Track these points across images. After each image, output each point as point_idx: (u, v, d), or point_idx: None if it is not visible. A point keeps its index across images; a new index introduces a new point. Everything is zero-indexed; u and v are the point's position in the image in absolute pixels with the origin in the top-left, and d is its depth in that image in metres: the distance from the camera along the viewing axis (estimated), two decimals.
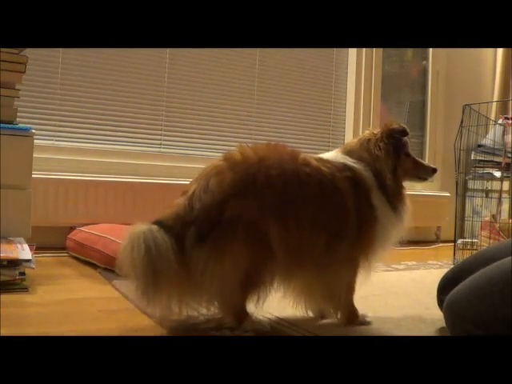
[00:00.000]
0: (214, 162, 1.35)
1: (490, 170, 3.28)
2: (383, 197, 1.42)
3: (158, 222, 1.27)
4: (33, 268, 1.63)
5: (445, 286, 1.38)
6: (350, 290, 1.41)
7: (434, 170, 1.55)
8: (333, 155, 1.47)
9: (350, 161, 1.43)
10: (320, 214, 1.33)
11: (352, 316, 1.41)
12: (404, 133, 1.50)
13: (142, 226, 1.24)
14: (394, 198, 1.44)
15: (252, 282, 1.28)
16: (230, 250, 1.23)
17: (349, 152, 1.47)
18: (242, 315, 1.30)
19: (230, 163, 1.32)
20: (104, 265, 1.96)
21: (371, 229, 1.38)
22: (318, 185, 1.33)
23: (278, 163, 1.32)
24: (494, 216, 2.85)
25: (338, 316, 1.41)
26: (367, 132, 1.53)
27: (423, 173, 1.54)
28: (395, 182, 1.45)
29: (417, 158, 1.54)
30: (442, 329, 1.34)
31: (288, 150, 1.40)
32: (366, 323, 1.41)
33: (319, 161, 1.40)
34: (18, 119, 1.95)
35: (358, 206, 1.37)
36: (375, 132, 1.50)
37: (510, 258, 1.16)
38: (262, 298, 1.30)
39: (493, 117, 3.51)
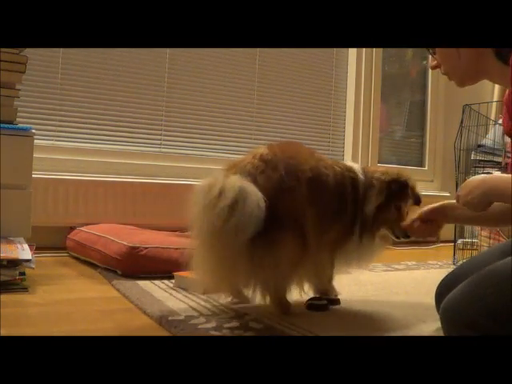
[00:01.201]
0: (252, 162, 1.39)
1: (490, 170, 3.28)
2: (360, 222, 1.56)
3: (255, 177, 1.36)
4: (33, 268, 1.63)
5: (441, 293, 1.39)
6: (332, 268, 1.59)
7: (406, 237, 1.57)
8: (349, 162, 1.65)
9: (358, 171, 1.59)
10: (334, 203, 1.50)
11: (329, 292, 1.59)
12: (403, 187, 1.58)
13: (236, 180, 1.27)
14: (363, 230, 1.56)
15: (293, 272, 1.41)
16: (279, 242, 1.32)
17: (364, 169, 1.63)
18: (287, 304, 1.44)
19: (265, 161, 1.38)
20: (104, 265, 1.97)
21: (349, 231, 1.56)
22: (332, 179, 1.50)
23: (304, 160, 1.46)
24: None
25: (321, 290, 1.58)
26: (382, 173, 1.59)
27: (398, 231, 1.58)
28: (373, 219, 1.55)
29: (404, 218, 1.57)
30: (441, 329, 1.34)
31: (305, 148, 1.59)
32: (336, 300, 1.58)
33: (329, 159, 1.59)
34: (18, 119, 1.95)
35: (352, 204, 1.55)
36: (385, 170, 1.62)
37: (501, 261, 1.18)
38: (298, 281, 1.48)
39: (493, 117, 3.50)
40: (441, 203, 1.53)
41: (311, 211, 1.41)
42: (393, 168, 1.67)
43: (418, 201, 1.62)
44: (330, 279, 1.61)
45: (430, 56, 1.37)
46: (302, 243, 1.37)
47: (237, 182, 1.24)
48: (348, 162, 1.66)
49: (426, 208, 1.55)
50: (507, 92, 1.40)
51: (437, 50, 1.32)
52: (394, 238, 1.60)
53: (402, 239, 1.59)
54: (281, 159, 1.39)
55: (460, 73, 1.33)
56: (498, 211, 1.45)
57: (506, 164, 1.50)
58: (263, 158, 1.39)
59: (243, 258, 1.29)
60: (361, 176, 1.58)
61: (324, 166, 1.50)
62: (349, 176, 1.56)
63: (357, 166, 1.62)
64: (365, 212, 1.55)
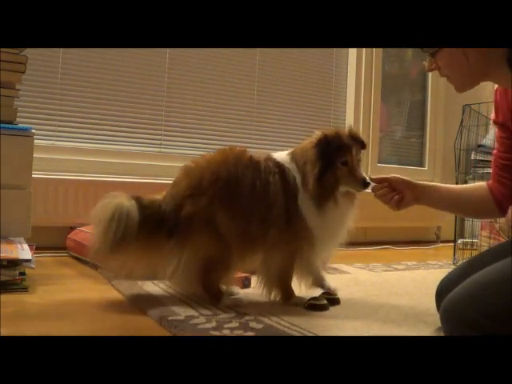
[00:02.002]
0: (177, 174, 1.59)
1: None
2: (310, 199, 1.52)
3: (137, 199, 1.52)
4: (33, 268, 1.63)
5: (441, 293, 1.39)
6: (284, 272, 1.56)
7: (365, 184, 1.50)
8: (279, 154, 1.61)
9: (286, 161, 1.57)
10: (252, 204, 1.51)
11: (286, 296, 1.57)
12: (337, 140, 1.51)
13: (121, 199, 1.49)
14: (319, 201, 1.51)
15: (215, 267, 1.49)
16: (189, 242, 1.47)
17: (292, 153, 1.59)
18: (218, 295, 1.52)
19: (186, 172, 1.57)
20: None
21: (298, 225, 1.52)
22: (252, 179, 1.52)
23: (223, 164, 1.53)
24: None
25: (274, 293, 1.57)
26: (314, 134, 1.56)
27: (352, 184, 1.52)
28: (321, 187, 1.49)
29: (355, 169, 1.50)
30: (441, 329, 1.34)
31: (236, 152, 1.58)
32: (300, 303, 1.55)
33: (265, 159, 1.58)
34: (18, 119, 1.95)
35: (286, 200, 1.53)
36: (314, 135, 1.54)
37: (501, 262, 1.18)
38: (230, 277, 1.57)
39: (493, 117, 3.50)
40: (413, 181, 1.51)
41: (227, 213, 1.49)
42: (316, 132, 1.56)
43: (362, 144, 1.56)
44: (281, 282, 1.57)
45: (428, 58, 1.34)
46: (217, 241, 1.48)
47: (113, 201, 1.48)
48: (274, 154, 1.61)
49: (396, 175, 1.52)
50: (497, 90, 1.41)
51: (441, 53, 1.28)
52: (355, 191, 1.55)
53: (365, 190, 1.52)
54: (196, 168, 1.55)
55: (464, 77, 1.30)
56: (478, 202, 1.47)
57: None
58: (186, 169, 1.58)
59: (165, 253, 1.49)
60: (288, 164, 1.55)
61: (244, 169, 1.52)
62: (274, 171, 1.54)
63: (282, 156, 1.59)
64: (309, 190, 1.50)
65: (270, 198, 1.52)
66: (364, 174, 1.52)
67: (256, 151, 1.65)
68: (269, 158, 1.59)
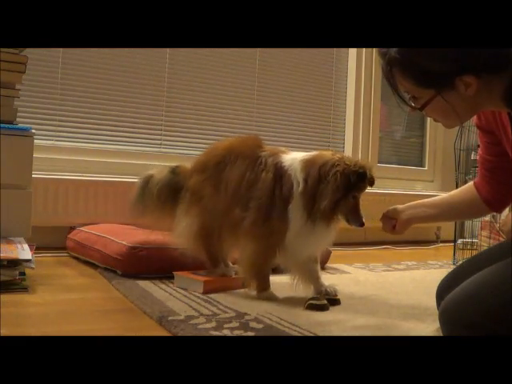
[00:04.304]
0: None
1: None
2: (304, 210, 1.55)
3: (174, 169, 1.82)
4: (33, 268, 1.63)
5: (442, 293, 1.39)
6: (254, 262, 1.63)
7: (361, 225, 1.56)
8: (290, 157, 1.63)
9: (293, 166, 1.59)
10: (236, 191, 1.63)
11: (259, 286, 1.65)
12: (363, 178, 1.54)
13: (159, 169, 1.85)
14: (315, 217, 1.55)
15: (208, 235, 1.71)
16: (189, 210, 1.73)
17: (306, 163, 1.58)
18: (213, 261, 1.76)
19: (208, 149, 1.83)
20: (104, 265, 1.96)
21: (278, 225, 1.58)
22: (244, 169, 1.63)
23: (227, 151, 1.70)
24: (493, 216, 2.84)
25: (248, 283, 1.67)
26: (329, 153, 1.59)
27: (352, 220, 1.56)
28: (329, 211, 1.53)
29: (359, 207, 1.56)
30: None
31: (248, 142, 1.71)
32: (273, 298, 1.62)
33: (269, 156, 1.64)
34: (18, 119, 1.95)
35: (271, 200, 1.58)
36: (336, 158, 1.54)
37: (501, 262, 1.18)
38: (222, 249, 1.77)
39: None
40: (399, 206, 1.58)
41: (214, 193, 1.68)
42: (343, 154, 1.60)
43: (372, 184, 1.60)
44: (252, 271, 1.65)
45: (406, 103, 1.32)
46: (207, 214, 1.69)
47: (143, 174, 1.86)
48: (288, 154, 1.65)
49: (390, 208, 1.59)
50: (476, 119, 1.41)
51: (428, 107, 1.28)
52: (347, 224, 1.59)
53: (357, 227, 1.57)
54: (214, 149, 1.78)
55: (452, 121, 1.33)
56: (470, 205, 1.48)
57: None
58: (210, 146, 1.84)
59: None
60: (292, 170, 1.58)
61: (244, 159, 1.64)
62: (268, 170, 1.60)
63: (293, 160, 1.60)
64: (318, 208, 1.53)
65: (253, 191, 1.60)
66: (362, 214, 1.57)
67: (274, 147, 1.71)
68: (274, 157, 1.63)
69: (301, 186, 1.56)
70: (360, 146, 3.42)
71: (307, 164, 1.58)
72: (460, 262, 2.00)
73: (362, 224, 1.56)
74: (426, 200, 1.60)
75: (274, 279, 1.70)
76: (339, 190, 1.51)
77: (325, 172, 1.53)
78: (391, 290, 1.88)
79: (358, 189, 1.55)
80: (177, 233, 1.75)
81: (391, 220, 1.59)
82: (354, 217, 1.56)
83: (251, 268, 1.65)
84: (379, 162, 3.50)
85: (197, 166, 1.76)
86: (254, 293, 1.65)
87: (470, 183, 1.54)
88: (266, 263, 1.66)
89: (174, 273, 1.76)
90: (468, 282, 1.19)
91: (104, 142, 2.65)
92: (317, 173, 1.54)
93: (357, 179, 1.52)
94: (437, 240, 3.54)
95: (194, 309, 1.45)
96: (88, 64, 2.59)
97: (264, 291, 1.64)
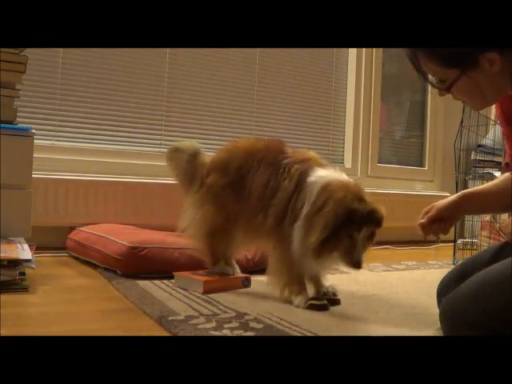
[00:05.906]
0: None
1: (490, 170, 3.28)
2: (303, 235, 1.47)
3: (194, 154, 1.84)
4: (33, 268, 1.63)
5: (442, 292, 1.39)
6: (283, 264, 1.57)
7: (357, 267, 1.43)
8: (320, 173, 1.52)
9: (312, 184, 1.49)
10: (261, 200, 1.61)
11: (291, 291, 1.56)
12: (353, 214, 1.41)
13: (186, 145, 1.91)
14: (311, 252, 1.45)
15: (217, 236, 1.70)
16: (203, 206, 1.72)
17: (326, 184, 1.48)
18: (214, 259, 1.75)
19: (231, 146, 1.81)
20: (104, 265, 1.97)
21: (288, 238, 1.51)
22: (268, 179, 1.60)
23: (250, 155, 1.67)
24: (493, 216, 2.84)
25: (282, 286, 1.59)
26: (351, 184, 1.48)
27: (345, 261, 1.45)
28: (318, 247, 1.42)
29: (355, 247, 1.43)
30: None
31: (275, 147, 1.67)
32: (303, 306, 1.51)
33: (301, 163, 1.57)
34: (18, 119, 1.95)
35: (286, 210, 1.54)
36: (343, 194, 1.43)
37: (501, 261, 1.18)
38: (229, 249, 1.77)
39: (493, 117, 3.50)
40: (454, 199, 1.43)
41: (236, 198, 1.67)
42: (361, 191, 1.47)
43: (378, 223, 1.46)
44: (284, 275, 1.57)
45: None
46: (223, 216, 1.69)
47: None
48: (315, 168, 1.54)
49: (439, 206, 1.43)
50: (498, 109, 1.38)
51: (454, 88, 1.24)
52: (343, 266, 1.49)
53: (349, 270, 1.47)
54: (235, 148, 1.76)
55: (481, 102, 1.27)
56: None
57: (506, 164, 1.49)
58: (233, 143, 1.82)
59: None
60: (310, 189, 1.49)
61: (268, 165, 1.62)
62: (292, 178, 1.55)
63: (318, 177, 1.50)
64: (310, 241, 1.43)
65: (274, 198, 1.58)
66: (362, 256, 1.45)
67: (302, 152, 1.65)
68: (302, 166, 1.56)
69: (306, 209, 1.48)
70: (360, 146, 3.42)
71: (324, 189, 1.47)
72: (460, 261, 2.00)
73: (356, 266, 1.43)
74: (469, 191, 1.49)
75: None
76: (327, 228, 1.41)
77: (323, 204, 1.44)
78: (391, 290, 1.88)
79: (352, 227, 1.41)
80: (186, 223, 1.75)
81: (440, 223, 1.43)
82: (347, 258, 1.44)
83: (284, 269, 1.56)
84: (379, 162, 3.50)
85: (217, 164, 1.74)
86: (294, 300, 1.54)
87: (507, 174, 1.45)
88: (293, 265, 1.54)
89: (174, 273, 1.76)
90: (469, 280, 1.19)
91: (104, 142, 2.65)
92: (321, 203, 1.45)
93: (347, 219, 1.40)
94: (437, 240, 3.53)
95: (193, 309, 1.45)
96: (88, 64, 2.59)
97: (300, 295, 1.54)
